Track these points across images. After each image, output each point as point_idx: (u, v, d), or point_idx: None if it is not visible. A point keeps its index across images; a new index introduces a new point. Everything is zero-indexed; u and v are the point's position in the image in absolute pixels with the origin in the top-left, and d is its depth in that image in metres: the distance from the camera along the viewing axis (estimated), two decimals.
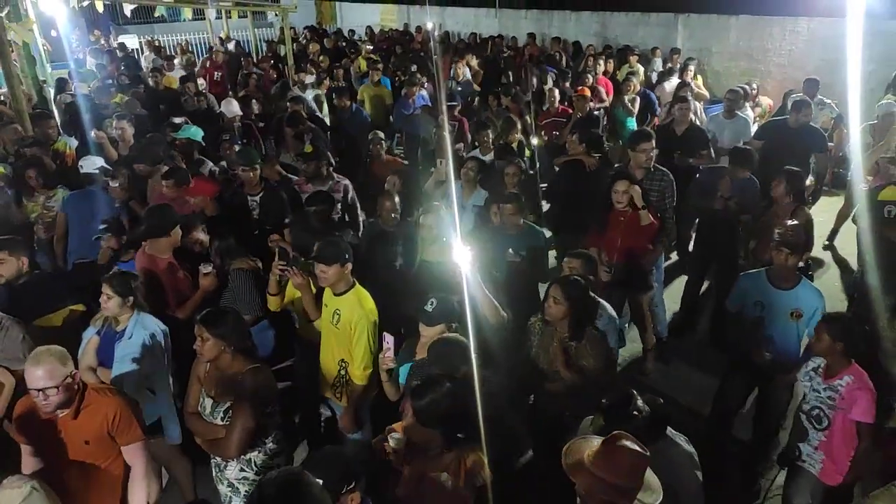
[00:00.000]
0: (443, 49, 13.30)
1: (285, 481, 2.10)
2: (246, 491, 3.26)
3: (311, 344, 3.89)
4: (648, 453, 2.22)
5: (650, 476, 2.30)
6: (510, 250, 4.38)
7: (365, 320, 3.50)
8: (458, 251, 3.39)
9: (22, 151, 6.06)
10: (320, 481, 2.16)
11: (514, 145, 6.65)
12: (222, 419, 3.08)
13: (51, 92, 9.75)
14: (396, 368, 3.38)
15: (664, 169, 5.32)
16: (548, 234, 6.49)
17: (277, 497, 2.03)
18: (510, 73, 10.53)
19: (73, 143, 6.70)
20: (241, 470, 3.22)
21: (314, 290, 3.75)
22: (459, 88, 9.67)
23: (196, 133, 6.35)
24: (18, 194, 5.45)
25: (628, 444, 2.20)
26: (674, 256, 6.85)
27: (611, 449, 2.21)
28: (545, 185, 6.78)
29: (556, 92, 8.24)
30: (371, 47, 13.58)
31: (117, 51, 14.26)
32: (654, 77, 10.16)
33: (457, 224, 3.94)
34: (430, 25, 13.89)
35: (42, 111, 7.58)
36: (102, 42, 16.08)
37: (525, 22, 15.82)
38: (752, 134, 6.96)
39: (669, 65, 10.48)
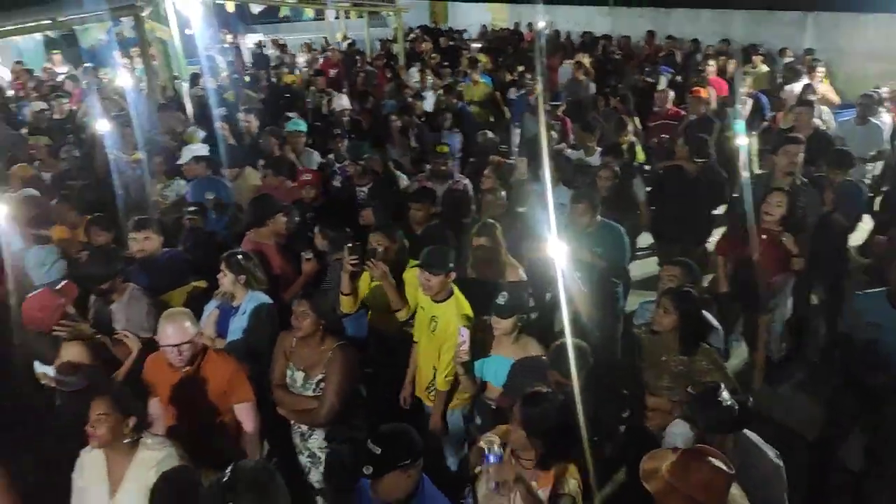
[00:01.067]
0: (552, 48, 13.15)
1: (257, 470, 2.20)
2: (328, 461, 3.49)
3: (386, 335, 4.01)
4: (733, 471, 2.14)
5: (740, 498, 2.22)
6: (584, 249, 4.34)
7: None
8: (554, 246, 3.40)
9: (152, 140, 6.61)
10: (379, 450, 2.27)
11: (625, 147, 6.50)
12: (314, 391, 3.33)
13: (184, 86, 10.56)
14: (471, 362, 3.42)
15: (809, 184, 4.97)
16: (650, 239, 6.38)
17: (249, 483, 2.11)
18: (620, 73, 10.26)
19: (200, 134, 7.24)
20: (326, 439, 3.47)
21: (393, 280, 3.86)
22: (565, 89, 9.55)
23: (301, 126, 6.66)
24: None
25: (711, 459, 2.13)
26: None
27: (690, 460, 2.14)
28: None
29: (670, 93, 7.96)
30: (478, 46, 13.65)
31: (248, 49, 15.17)
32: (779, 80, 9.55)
33: (552, 220, 3.89)
34: (541, 24, 13.72)
35: (167, 103, 8.20)
36: (231, 40, 17.18)
37: (641, 21, 15.34)
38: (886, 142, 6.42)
39: (799, 66, 9.80)
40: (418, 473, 2.38)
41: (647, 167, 7.14)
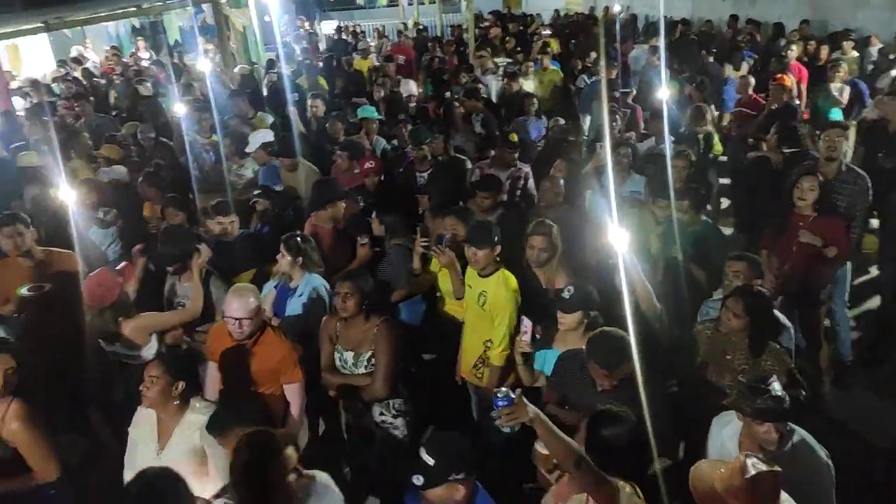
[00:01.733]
0: (626, 34, 12.75)
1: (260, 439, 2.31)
2: (383, 436, 3.55)
3: (454, 323, 4.01)
4: (779, 469, 2.07)
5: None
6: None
7: (511, 302, 3.56)
8: (615, 235, 3.28)
9: (226, 122, 6.82)
10: (432, 461, 2.21)
11: (701, 137, 6.25)
12: (365, 368, 3.42)
13: (261, 72, 10.89)
14: (532, 354, 3.38)
15: (860, 171, 4.72)
16: (727, 231, 6.13)
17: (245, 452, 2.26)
18: (692, 59, 9.83)
19: (269, 118, 7.43)
20: (381, 413, 3.52)
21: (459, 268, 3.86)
22: (638, 76, 9.25)
23: (372, 112, 6.73)
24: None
25: (760, 467, 2.05)
26: (874, 271, 6.05)
27: (746, 477, 2.05)
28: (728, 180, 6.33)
29: (751, 80, 7.58)
30: (549, 32, 13.40)
31: (324, 35, 15.48)
32: (869, 68, 8.92)
33: (613, 209, 3.76)
34: (616, 8, 13.32)
35: (237, 89, 8.43)
36: (307, 27, 17.58)
37: (723, 4, 14.64)
38: None
39: (892, 55, 9.11)
40: (471, 487, 2.31)
41: (723, 158, 6.87)
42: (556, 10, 17.98)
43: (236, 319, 3.18)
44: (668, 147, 5.52)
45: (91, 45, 15.17)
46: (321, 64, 11.12)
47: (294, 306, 3.82)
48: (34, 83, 10.22)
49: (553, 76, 9.37)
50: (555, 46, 11.56)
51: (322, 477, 2.51)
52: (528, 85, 8.76)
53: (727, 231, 6.66)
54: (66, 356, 3.75)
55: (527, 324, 3.29)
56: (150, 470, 2.29)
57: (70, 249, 4.24)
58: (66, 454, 3.16)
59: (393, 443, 3.54)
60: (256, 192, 5.00)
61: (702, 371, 3.39)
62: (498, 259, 3.66)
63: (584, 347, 2.98)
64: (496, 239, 3.58)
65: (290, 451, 2.42)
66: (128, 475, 2.84)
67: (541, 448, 2.59)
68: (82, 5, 9.14)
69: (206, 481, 2.79)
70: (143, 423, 2.90)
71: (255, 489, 2.26)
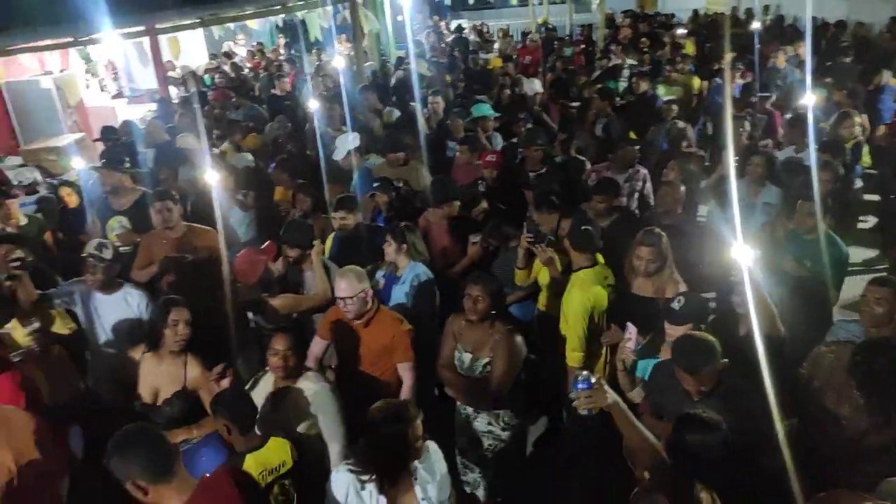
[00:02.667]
0: (770, 36, 11.94)
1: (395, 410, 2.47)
2: (488, 445, 3.54)
3: (554, 320, 3.96)
4: None
5: None
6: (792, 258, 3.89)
7: (581, 306, 3.56)
8: (740, 249, 3.10)
9: (355, 116, 7.13)
10: None
11: (848, 146, 5.76)
12: (480, 372, 3.41)
13: (391, 68, 11.28)
14: (635, 361, 3.28)
15: None
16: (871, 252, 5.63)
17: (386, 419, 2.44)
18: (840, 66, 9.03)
19: (395, 113, 7.68)
20: (489, 423, 3.51)
21: (560, 267, 3.86)
22: (779, 80, 8.63)
23: (487, 110, 6.78)
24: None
25: None
26: None
27: None
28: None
29: None
30: (684, 32, 12.80)
31: (446, 33, 15.80)
32: None
33: (736, 222, 3.55)
34: (759, 8, 12.50)
35: (366, 85, 8.75)
36: (442, 25, 17.96)
37: (884, 6, 13.34)
38: None
39: None
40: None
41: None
42: (695, 11, 17.13)
43: (342, 299, 3.39)
44: (812, 157, 5.13)
45: (241, 41, 16.42)
46: (442, 60, 11.35)
47: (399, 294, 3.96)
48: (191, 73, 11.21)
49: (686, 79, 8.96)
50: (690, 48, 11.06)
51: (432, 445, 2.67)
52: (660, 89, 8.45)
53: (872, 252, 6.12)
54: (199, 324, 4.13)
55: (631, 330, 3.20)
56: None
57: (213, 226, 4.60)
58: None
59: (497, 454, 3.55)
60: (375, 185, 5.20)
61: (819, 396, 3.13)
62: (596, 264, 3.70)
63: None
64: (592, 242, 3.65)
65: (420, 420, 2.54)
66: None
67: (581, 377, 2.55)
68: (234, 4, 9.92)
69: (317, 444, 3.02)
70: (262, 387, 3.14)
71: (392, 452, 2.45)
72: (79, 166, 6.36)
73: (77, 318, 3.88)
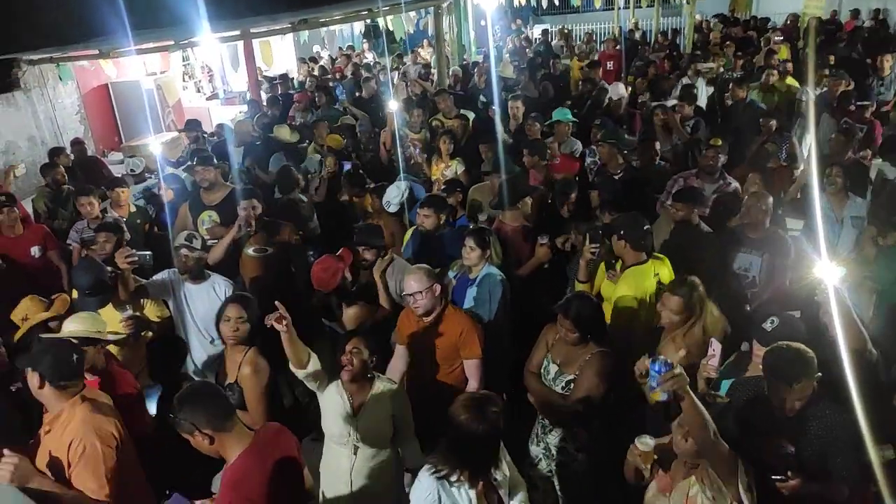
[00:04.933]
0: (874, 42, 11.24)
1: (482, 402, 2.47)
2: (560, 461, 3.45)
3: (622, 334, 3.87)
4: None
5: None
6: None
7: (623, 297, 3.69)
8: (825, 267, 2.94)
9: (428, 123, 7.21)
10: None
11: None
12: (563, 388, 3.34)
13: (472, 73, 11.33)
14: (719, 381, 3.14)
15: None
16: None
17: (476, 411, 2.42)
18: None
19: (470, 115, 7.70)
20: (563, 440, 3.41)
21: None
22: (883, 88, 8.10)
23: (566, 114, 6.72)
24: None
25: None
26: None
27: None
28: None
29: None
30: (780, 38, 12.22)
31: (527, 38, 15.75)
32: None
33: (819, 237, 3.36)
34: (865, 13, 11.79)
35: (443, 88, 8.82)
36: (524, 30, 17.91)
37: None
38: None
39: None
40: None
41: None
42: (794, 15, 16.30)
43: (412, 294, 3.44)
44: None
45: (328, 45, 16.94)
46: (520, 65, 11.31)
47: (472, 295, 3.96)
48: (283, 77, 11.69)
49: (785, 86, 8.50)
50: (784, 53, 10.54)
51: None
52: (755, 94, 8.09)
53: None
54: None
55: (715, 346, 3.07)
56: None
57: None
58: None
59: (569, 473, 3.47)
60: (443, 187, 5.26)
61: None
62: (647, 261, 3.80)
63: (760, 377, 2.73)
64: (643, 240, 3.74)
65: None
66: (327, 436, 3.16)
67: (642, 446, 2.54)
68: (323, 9, 10.22)
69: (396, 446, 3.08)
70: (333, 390, 3.12)
71: (483, 445, 2.46)
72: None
73: (168, 306, 4.13)
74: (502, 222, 4.67)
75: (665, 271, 3.84)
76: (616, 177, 5.39)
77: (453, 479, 2.47)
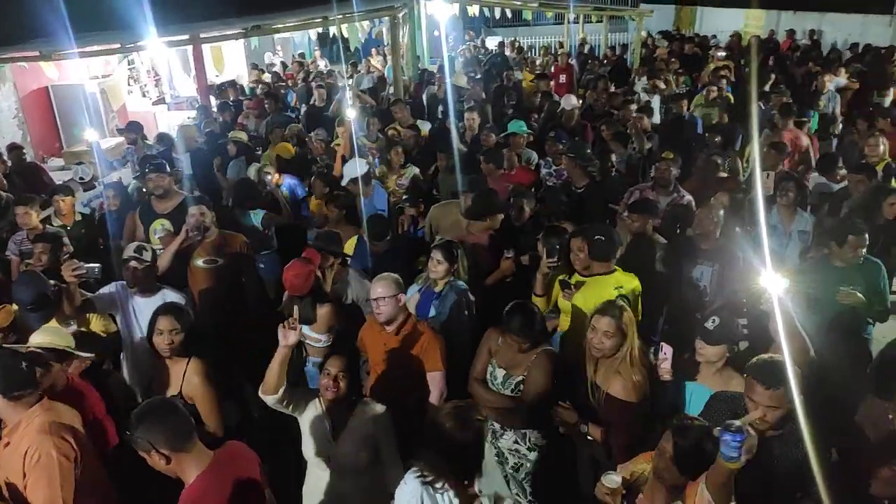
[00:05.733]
0: (806, 59, 11.81)
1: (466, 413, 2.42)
2: (514, 463, 3.52)
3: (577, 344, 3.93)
4: None
5: None
6: (841, 288, 3.83)
7: (582, 307, 3.65)
8: (770, 277, 3.07)
9: (385, 133, 7.19)
10: None
11: (880, 168, 5.70)
12: (513, 391, 3.38)
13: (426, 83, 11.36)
14: (681, 384, 3.21)
15: None
16: None
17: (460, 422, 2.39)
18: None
19: (426, 126, 7.72)
20: (516, 442, 3.48)
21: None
22: (822, 105, 8.52)
23: (521, 126, 6.81)
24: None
25: None
26: None
27: None
28: None
29: None
30: (723, 54, 12.71)
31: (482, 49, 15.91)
32: None
33: (764, 248, 3.50)
34: (799, 34, 12.39)
35: (398, 99, 8.82)
36: (475, 42, 18.09)
37: None
38: None
39: None
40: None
41: None
42: (737, 33, 16.96)
43: (376, 300, 3.40)
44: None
45: (280, 51, 16.72)
46: (474, 76, 11.41)
47: (437, 309, 3.94)
48: (231, 84, 11.46)
49: (723, 101, 8.84)
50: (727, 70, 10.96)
51: None
52: (696, 110, 8.38)
53: None
54: (230, 327, 4.18)
55: (666, 350, 3.14)
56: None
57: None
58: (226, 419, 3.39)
59: (521, 473, 3.53)
60: (404, 197, 5.25)
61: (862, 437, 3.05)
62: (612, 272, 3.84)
63: (739, 393, 2.76)
64: (607, 251, 3.78)
65: None
66: (307, 460, 3.06)
67: (610, 483, 2.50)
68: (277, 15, 10.09)
69: (379, 469, 2.98)
70: (312, 412, 3.03)
71: (467, 455, 2.43)
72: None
73: (115, 320, 3.97)
74: (470, 232, 4.66)
75: (631, 285, 3.85)
76: (579, 190, 5.46)
77: (438, 486, 2.45)
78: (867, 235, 3.98)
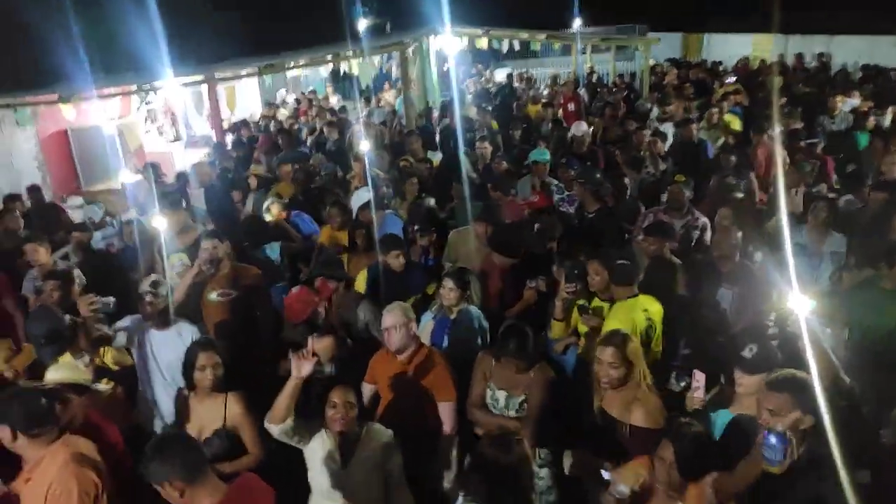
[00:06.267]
0: (819, 82, 11.82)
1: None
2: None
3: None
4: None
5: None
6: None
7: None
8: (799, 300, 2.99)
9: (397, 163, 7.24)
10: None
11: None
12: (517, 411, 3.39)
13: (435, 114, 11.49)
14: (706, 413, 3.10)
15: None
16: None
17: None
18: None
19: (438, 156, 7.78)
20: None
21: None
22: (834, 127, 8.47)
23: (543, 155, 6.83)
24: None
25: None
26: None
27: None
28: None
29: None
30: (732, 79, 12.75)
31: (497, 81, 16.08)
32: None
33: (790, 269, 3.42)
34: (808, 57, 12.43)
35: (410, 130, 8.92)
36: (485, 74, 18.33)
37: None
38: None
39: None
40: None
41: None
42: (745, 58, 17.04)
43: (387, 329, 3.40)
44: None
45: (293, 89, 17.02)
46: (484, 106, 11.53)
47: (452, 337, 3.91)
48: (244, 122, 11.65)
49: (726, 121, 8.82)
50: (739, 94, 10.99)
51: None
52: (703, 134, 8.36)
53: None
54: (244, 360, 4.14)
55: (699, 377, 3.08)
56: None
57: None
58: None
59: (535, 492, 3.45)
60: (416, 227, 5.25)
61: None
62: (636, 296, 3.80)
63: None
64: (630, 276, 3.77)
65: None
66: (315, 490, 3.01)
67: (619, 495, 2.53)
68: (288, 54, 10.32)
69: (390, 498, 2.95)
70: (318, 442, 2.99)
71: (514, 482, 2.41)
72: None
73: (132, 354, 3.96)
74: (493, 263, 4.58)
75: (655, 308, 3.82)
76: (591, 215, 5.45)
77: None
78: None
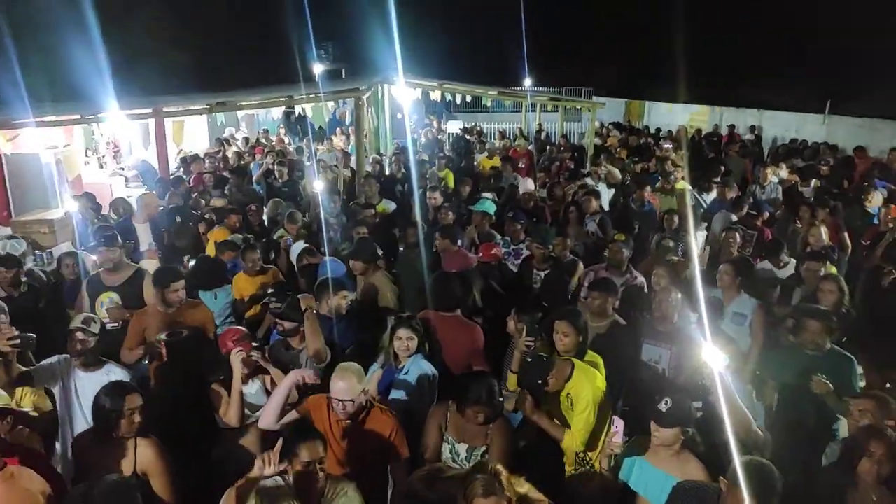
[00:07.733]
0: (750, 153, 12.55)
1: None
2: None
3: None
4: None
5: None
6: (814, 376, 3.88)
7: (590, 393, 3.47)
8: (711, 352, 3.14)
9: (351, 208, 7.24)
10: None
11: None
12: None
13: (387, 161, 11.58)
14: (619, 458, 3.21)
15: None
16: None
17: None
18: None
19: (391, 205, 7.81)
20: None
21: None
22: (764, 196, 8.96)
23: (490, 206, 6.95)
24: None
25: None
26: None
27: None
28: None
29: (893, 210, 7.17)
30: (669, 145, 13.41)
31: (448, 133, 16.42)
32: None
33: (705, 324, 3.59)
34: (742, 128, 13.23)
35: (370, 173, 8.95)
36: (435, 126, 18.67)
37: (859, 131, 14.14)
38: None
39: None
40: None
41: None
42: (683, 126, 17.98)
43: (340, 401, 3.18)
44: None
45: (245, 128, 16.91)
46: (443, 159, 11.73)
47: (400, 386, 3.82)
48: (194, 157, 11.45)
49: (680, 189, 9.18)
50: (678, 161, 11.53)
51: None
52: (659, 197, 8.70)
53: None
54: (187, 399, 3.96)
55: (618, 424, 3.17)
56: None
57: None
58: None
59: None
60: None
61: None
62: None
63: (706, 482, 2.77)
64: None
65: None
66: None
67: None
68: (241, 92, 10.28)
69: None
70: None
71: None
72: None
73: (54, 397, 3.73)
74: (430, 316, 4.45)
75: (599, 362, 3.85)
76: (542, 273, 5.54)
77: None
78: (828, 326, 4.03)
